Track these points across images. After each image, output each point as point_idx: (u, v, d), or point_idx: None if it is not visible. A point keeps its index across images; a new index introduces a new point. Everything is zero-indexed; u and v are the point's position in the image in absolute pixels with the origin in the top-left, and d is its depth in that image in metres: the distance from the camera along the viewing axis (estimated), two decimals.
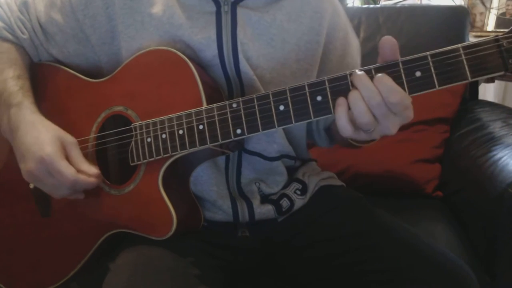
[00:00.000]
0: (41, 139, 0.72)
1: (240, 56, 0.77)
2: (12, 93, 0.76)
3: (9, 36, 0.83)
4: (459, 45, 0.56)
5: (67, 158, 0.73)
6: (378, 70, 0.59)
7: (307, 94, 0.63)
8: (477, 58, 0.55)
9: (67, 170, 0.71)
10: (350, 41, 0.91)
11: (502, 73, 0.53)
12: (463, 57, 0.56)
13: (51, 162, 0.70)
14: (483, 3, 1.88)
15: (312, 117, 0.63)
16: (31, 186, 0.81)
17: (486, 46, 0.55)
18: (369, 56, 1.47)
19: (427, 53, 0.57)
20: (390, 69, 0.59)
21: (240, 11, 0.78)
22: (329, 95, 0.61)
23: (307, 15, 0.83)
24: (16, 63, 0.81)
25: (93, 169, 0.73)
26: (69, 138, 0.75)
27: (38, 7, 0.83)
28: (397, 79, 0.58)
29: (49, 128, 0.75)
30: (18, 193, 0.84)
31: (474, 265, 0.99)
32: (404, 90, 0.58)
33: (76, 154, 0.74)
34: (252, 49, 0.78)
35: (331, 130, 0.91)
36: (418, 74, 0.58)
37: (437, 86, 0.57)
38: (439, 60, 0.57)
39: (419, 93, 0.58)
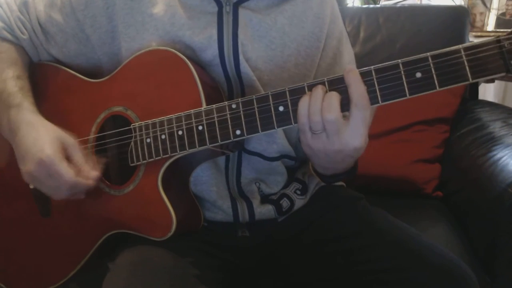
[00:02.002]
0: (41, 140, 0.71)
1: (241, 57, 0.76)
2: (11, 93, 0.76)
3: (9, 36, 0.82)
4: (460, 46, 0.56)
5: (68, 159, 0.73)
6: (378, 71, 0.59)
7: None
8: (478, 59, 0.55)
9: (67, 172, 0.70)
10: (343, 51, 0.89)
11: (503, 74, 0.53)
12: (464, 58, 0.55)
13: (51, 164, 0.70)
14: (484, 3, 1.88)
15: None
16: (31, 186, 0.81)
17: (487, 47, 0.54)
18: (369, 56, 1.50)
19: (428, 54, 0.57)
20: (390, 70, 0.59)
21: (241, 12, 0.78)
22: None
23: (309, 20, 0.82)
24: (16, 63, 0.81)
25: (92, 173, 0.73)
26: (69, 140, 0.74)
27: (38, 7, 0.83)
28: (397, 80, 0.58)
29: (49, 129, 0.74)
30: (18, 193, 0.83)
31: (474, 265, 0.99)
32: (405, 91, 0.58)
33: (78, 156, 0.74)
34: (251, 51, 0.78)
35: None
36: (418, 75, 0.57)
37: (437, 87, 0.57)
38: (440, 61, 0.57)
39: (420, 94, 0.58)
